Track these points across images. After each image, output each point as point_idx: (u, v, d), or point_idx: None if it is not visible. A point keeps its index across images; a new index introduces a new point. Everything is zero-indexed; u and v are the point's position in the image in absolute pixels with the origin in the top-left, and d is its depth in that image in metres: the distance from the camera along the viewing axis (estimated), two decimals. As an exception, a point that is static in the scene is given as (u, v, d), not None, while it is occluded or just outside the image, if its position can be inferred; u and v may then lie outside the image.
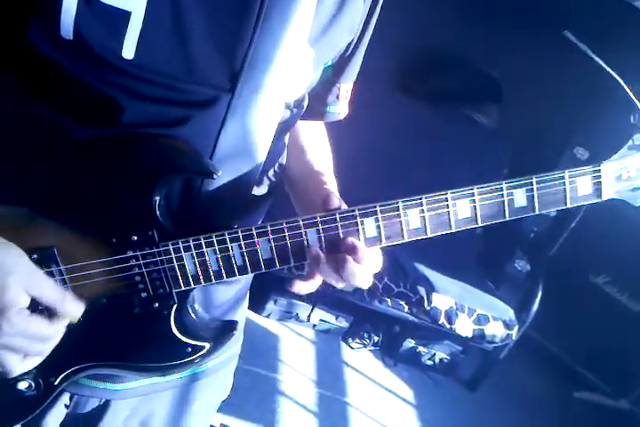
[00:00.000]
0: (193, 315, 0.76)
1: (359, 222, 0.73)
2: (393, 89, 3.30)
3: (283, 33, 0.69)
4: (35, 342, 0.63)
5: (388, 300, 2.73)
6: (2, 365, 0.64)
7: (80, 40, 0.63)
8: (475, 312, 2.82)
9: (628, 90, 0.79)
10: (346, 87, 0.92)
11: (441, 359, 3.03)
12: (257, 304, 2.84)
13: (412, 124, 3.18)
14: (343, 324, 2.99)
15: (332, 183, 0.90)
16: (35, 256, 0.65)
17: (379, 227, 0.73)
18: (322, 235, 0.72)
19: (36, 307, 0.63)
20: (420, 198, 0.73)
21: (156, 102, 0.68)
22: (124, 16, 0.63)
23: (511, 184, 0.75)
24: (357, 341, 3.02)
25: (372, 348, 3.05)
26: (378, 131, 3.02)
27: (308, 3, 0.70)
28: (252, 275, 0.83)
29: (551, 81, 3.13)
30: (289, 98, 0.78)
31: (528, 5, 3.11)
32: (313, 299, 2.86)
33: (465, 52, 3.33)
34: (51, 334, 0.64)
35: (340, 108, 0.94)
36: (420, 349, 3.00)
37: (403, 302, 2.75)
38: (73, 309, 0.64)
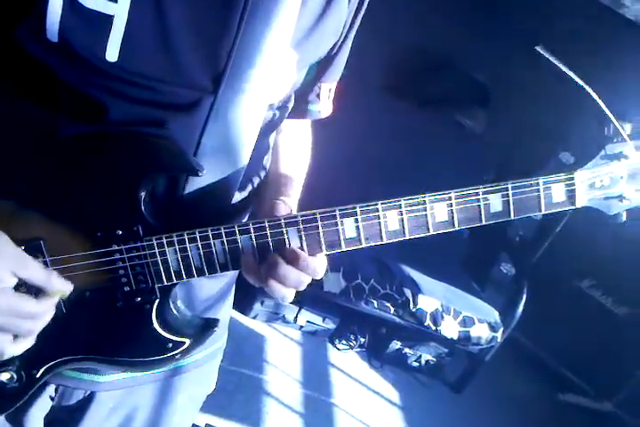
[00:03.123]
0: (175, 311, 0.77)
1: (339, 223, 0.74)
2: (381, 92, 3.32)
3: (265, 36, 0.71)
4: (23, 321, 0.64)
5: (375, 301, 2.74)
6: None
7: (65, 43, 0.65)
8: (460, 314, 2.83)
9: (600, 103, 0.80)
10: (327, 86, 0.93)
11: (427, 361, 3.04)
12: (243, 305, 2.84)
13: (399, 127, 3.20)
14: (330, 325, 2.99)
15: (292, 188, 0.90)
16: (22, 247, 0.66)
17: (358, 228, 0.75)
18: (302, 234, 0.74)
19: (22, 288, 0.65)
20: (399, 201, 0.75)
21: (140, 104, 0.70)
22: (107, 20, 0.65)
23: (487, 189, 0.77)
24: (344, 342, 3.03)
25: (359, 349, 3.06)
26: (364, 133, 3.04)
27: (291, 6, 0.71)
28: (238, 271, 0.84)
29: (538, 86, 3.16)
30: (272, 99, 0.79)
31: (516, 12, 3.15)
32: (300, 300, 2.86)
33: (454, 56, 3.37)
34: (39, 312, 0.65)
35: (321, 106, 0.94)
36: (407, 350, 3.01)
37: (389, 304, 2.76)
38: (60, 285, 0.65)
